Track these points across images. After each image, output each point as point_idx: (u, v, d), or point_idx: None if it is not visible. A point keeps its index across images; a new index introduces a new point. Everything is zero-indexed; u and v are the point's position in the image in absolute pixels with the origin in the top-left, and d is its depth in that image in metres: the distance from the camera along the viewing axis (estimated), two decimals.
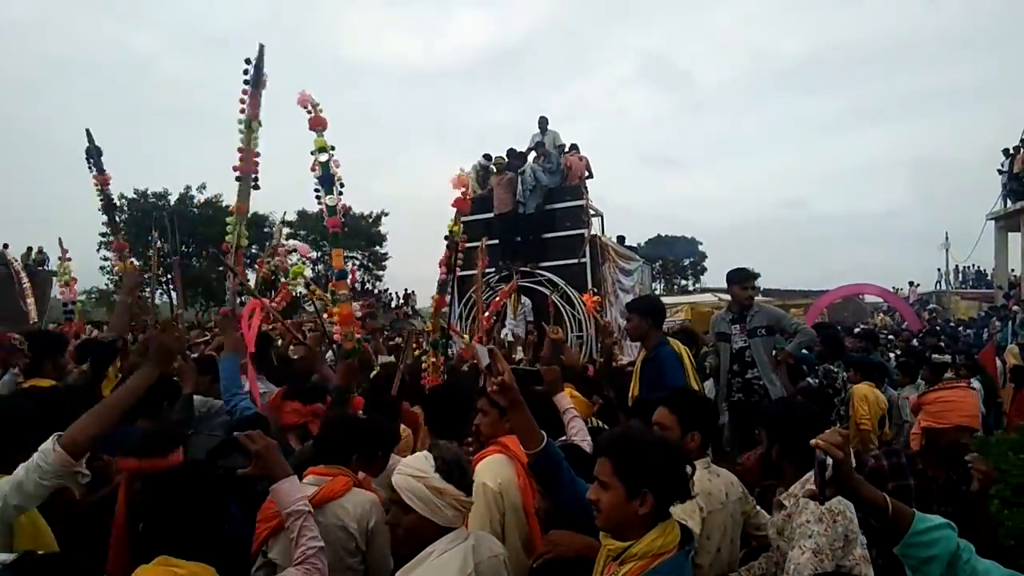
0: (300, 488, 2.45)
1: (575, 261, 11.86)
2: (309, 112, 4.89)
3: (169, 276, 41.73)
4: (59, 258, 8.02)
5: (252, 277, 8.90)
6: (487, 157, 13.35)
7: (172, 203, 40.80)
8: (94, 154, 5.94)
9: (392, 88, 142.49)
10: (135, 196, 40.46)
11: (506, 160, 12.46)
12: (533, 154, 12.62)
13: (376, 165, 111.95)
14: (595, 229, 12.64)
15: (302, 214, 46.34)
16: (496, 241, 11.94)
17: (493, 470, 2.84)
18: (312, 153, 4.91)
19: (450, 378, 6.01)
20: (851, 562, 2.54)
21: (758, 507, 3.22)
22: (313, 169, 4.94)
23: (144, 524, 2.15)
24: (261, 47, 4.88)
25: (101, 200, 6.15)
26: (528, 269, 11.91)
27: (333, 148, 4.94)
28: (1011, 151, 21.29)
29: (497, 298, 10.86)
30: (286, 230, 45.13)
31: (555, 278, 11.73)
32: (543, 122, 13.00)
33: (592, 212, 12.65)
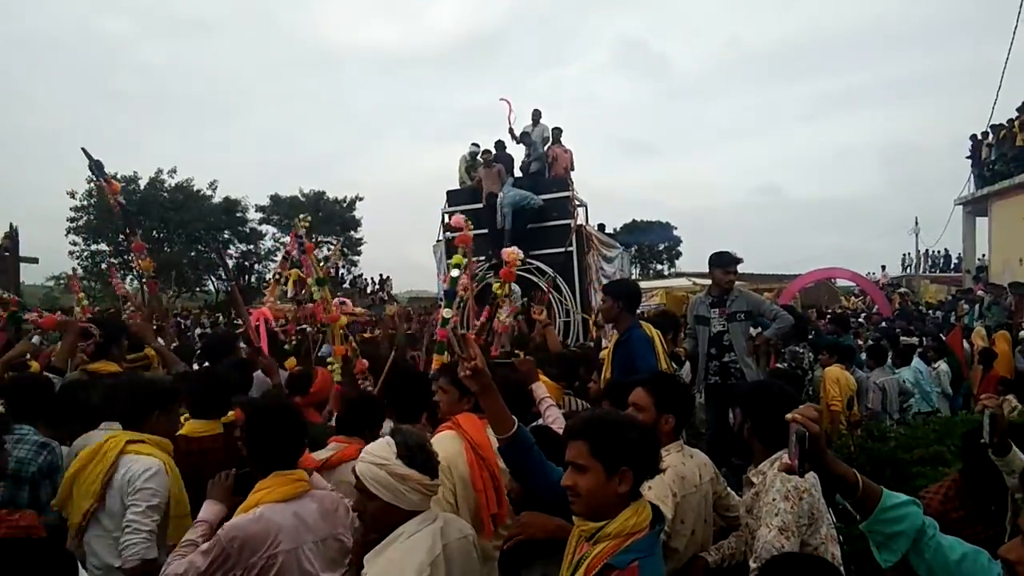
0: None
1: (562, 250, 12.26)
2: (453, 233, 5.15)
3: (140, 262, 41.21)
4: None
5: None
6: (476, 145, 13.54)
7: (142, 187, 40.14)
8: (96, 168, 6.07)
9: (368, 73, 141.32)
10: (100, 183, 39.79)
11: (493, 152, 12.71)
12: (521, 151, 13.02)
13: (351, 150, 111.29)
14: (580, 219, 13.02)
15: (274, 199, 45.95)
16: (485, 231, 12.19)
17: (443, 444, 2.85)
18: (448, 265, 5.47)
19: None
20: (817, 540, 2.57)
21: (729, 489, 3.25)
22: (444, 280, 5.53)
23: (250, 450, 2.72)
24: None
25: (116, 208, 6.37)
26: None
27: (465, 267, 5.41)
28: (979, 137, 21.61)
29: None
30: (259, 215, 44.93)
31: (543, 266, 12.04)
32: (536, 115, 13.23)
33: (577, 202, 13.02)
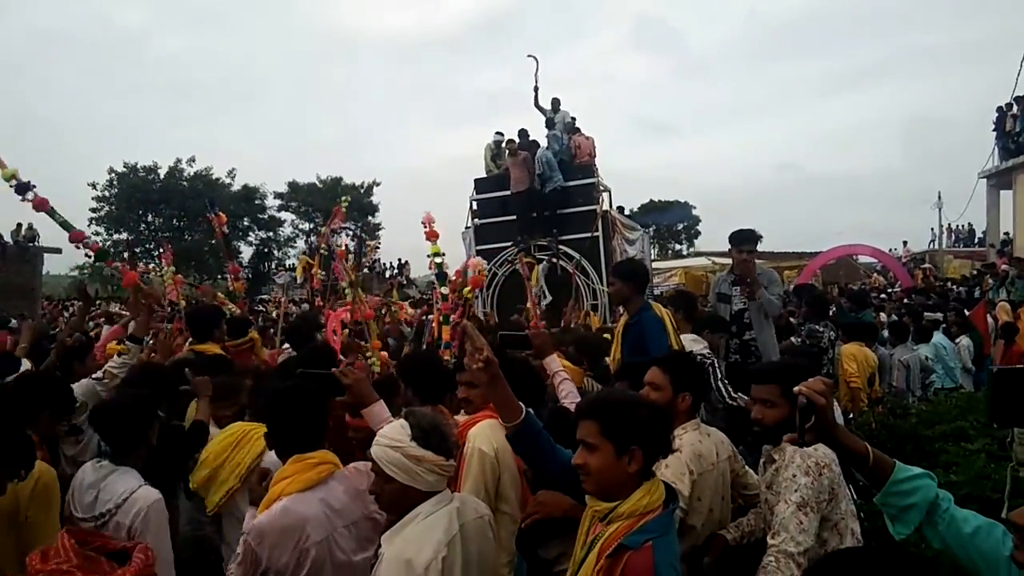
0: (385, 409, 2.93)
1: (588, 235, 12.61)
2: (425, 227, 6.02)
3: (160, 251, 41.75)
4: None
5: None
6: (500, 134, 13.79)
7: (162, 177, 40.48)
8: (211, 203, 6.45)
9: (385, 58, 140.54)
10: (125, 170, 40.12)
11: (517, 141, 12.94)
12: (545, 132, 13.29)
13: (368, 136, 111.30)
14: (604, 204, 13.32)
15: (292, 185, 46.15)
16: (513, 217, 12.73)
17: (487, 435, 2.84)
18: (428, 256, 6.16)
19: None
20: (837, 516, 2.57)
21: (747, 467, 3.25)
22: (431, 267, 6.24)
23: (271, 432, 2.70)
24: None
25: (222, 237, 7.40)
26: (546, 243, 12.62)
27: (444, 254, 6.17)
28: (1004, 108, 21.20)
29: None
30: (277, 202, 45.19)
31: (571, 251, 12.45)
32: (556, 103, 13.47)
33: (602, 188, 13.35)
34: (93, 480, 2.86)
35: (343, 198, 8.19)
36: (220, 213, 7.17)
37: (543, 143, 13.17)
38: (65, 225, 4.84)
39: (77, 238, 4.86)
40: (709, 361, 3.99)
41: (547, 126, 13.28)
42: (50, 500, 2.77)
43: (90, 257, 5.37)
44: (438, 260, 6.12)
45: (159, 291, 6.53)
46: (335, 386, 2.95)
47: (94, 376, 4.05)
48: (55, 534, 2.47)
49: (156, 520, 2.76)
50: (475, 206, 13.56)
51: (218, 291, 8.40)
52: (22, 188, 4.59)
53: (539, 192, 12.47)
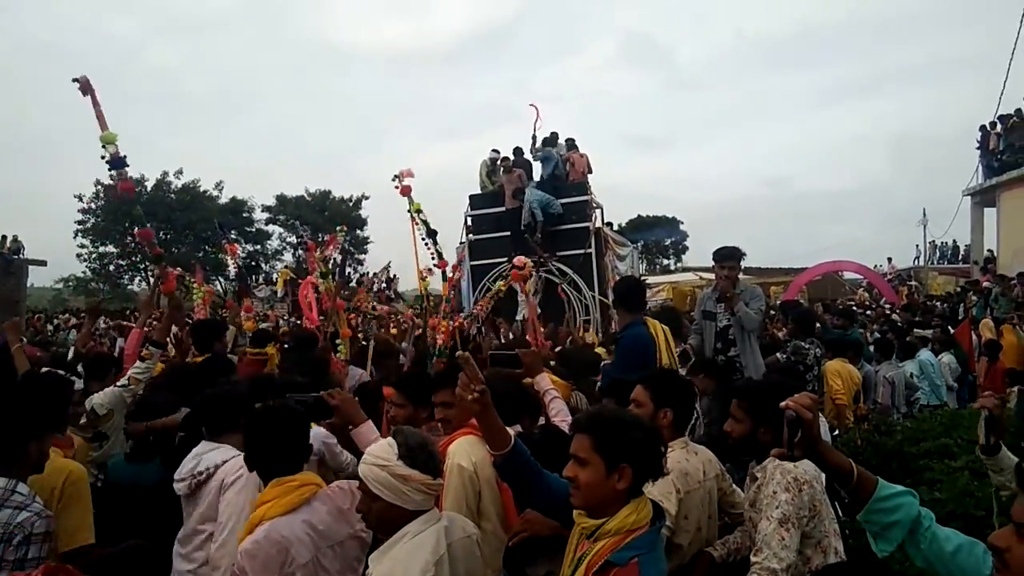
0: (374, 430, 3.02)
1: (581, 252, 12.86)
2: (396, 185, 6.18)
3: (147, 263, 41.59)
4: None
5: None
6: (496, 152, 14.07)
7: (149, 189, 40.29)
8: (225, 228, 6.75)
9: (375, 71, 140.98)
10: (111, 182, 39.85)
11: (512, 159, 13.29)
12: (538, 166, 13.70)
13: (358, 148, 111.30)
14: (597, 221, 13.71)
15: (281, 198, 46.05)
16: (507, 233, 12.92)
17: (466, 450, 2.85)
18: (408, 211, 6.35)
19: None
20: (820, 533, 2.59)
21: (734, 486, 3.26)
22: (413, 223, 6.39)
23: (250, 455, 2.69)
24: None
25: (235, 266, 7.29)
26: (541, 260, 12.66)
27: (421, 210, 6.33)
28: (987, 127, 21.48)
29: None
30: (265, 215, 45.10)
31: (564, 267, 12.67)
32: (553, 137, 14.03)
33: (594, 205, 13.68)
34: (197, 451, 3.22)
35: (339, 228, 8.24)
36: (233, 243, 7.38)
37: (536, 167, 13.47)
38: (140, 219, 5.15)
39: (146, 236, 5.04)
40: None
41: (540, 159, 13.58)
42: (79, 496, 2.97)
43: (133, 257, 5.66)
44: (422, 217, 6.30)
45: (182, 301, 6.76)
46: (323, 408, 3.02)
47: (119, 384, 4.19)
48: (86, 529, 2.93)
49: (244, 483, 2.95)
50: (470, 222, 13.67)
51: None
52: (117, 163, 4.52)
53: (531, 228, 12.69)
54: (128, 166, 4.59)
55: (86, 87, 4.30)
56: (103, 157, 4.48)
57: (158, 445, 3.86)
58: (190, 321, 6.90)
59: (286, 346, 6.15)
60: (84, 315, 5.66)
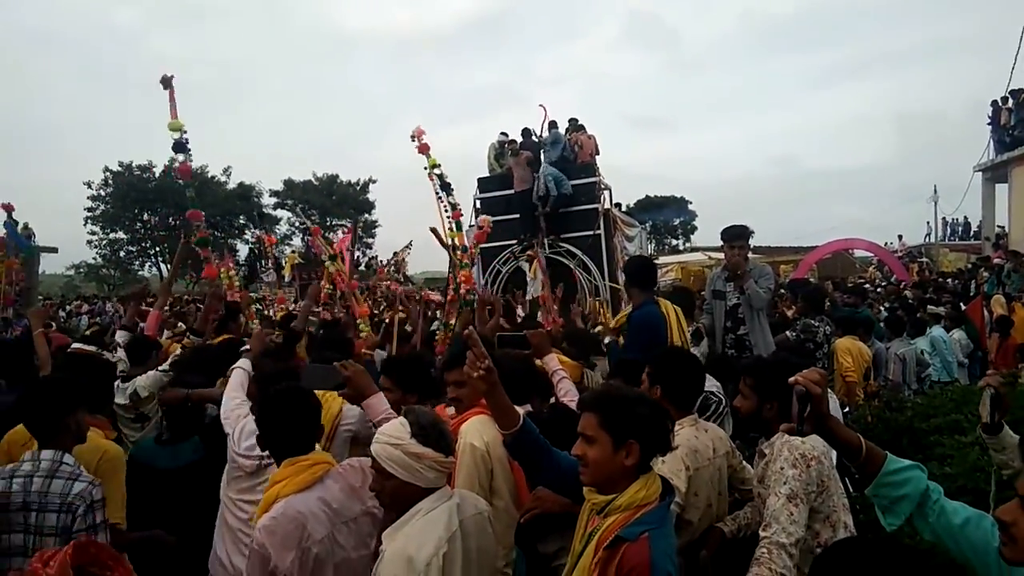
0: (384, 402, 3.10)
1: (591, 233, 12.90)
2: (414, 141, 6.31)
3: (157, 249, 41.82)
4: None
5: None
6: (504, 135, 14.16)
7: (157, 175, 40.41)
8: (259, 218, 6.97)
9: (380, 56, 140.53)
10: (120, 169, 40.06)
11: (520, 141, 13.35)
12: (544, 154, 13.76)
13: (364, 133, 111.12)
14: (605, 203, 13.67)
15: (288, 183, 46.11)
16: (517, 216, 12.92)
17: (477, 430, 2.87)
18: (424, 168, 6.49)
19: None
20: (828, 508, 2.60)
21: (744, 462, 3.28)
22: (431, 178, 6.51)
23: (263, 436, 2.74)
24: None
25: (272, 260, 7.45)
26: (550, 241, 12.88)
27: (440, 164, 6.49)
28: (999, 102, 21.25)
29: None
30: (273, 200, 45.15)
31: (573, 249, 12.73)
32: (552, 125, 14.10)
33: (603, 187, 13.66)
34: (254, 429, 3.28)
35: (360, 218, 8.38)
36: (270, 234, 7.59)
37: (543, 157, 13.50)
38: (194, 201, 5.69)
39: (195, 217, 5.60)
40: (715, 399, 4.02)
41: (546, 143, 13.72)
42: (113, 474, 3.10)
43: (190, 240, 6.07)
44: (437, 172, 6.46)
45: (222, 290, 6.99)
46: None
47: (160, 368, 4.52)
48: (120, 504, 3.07)
49: None
50: (478, 204, 13.71)
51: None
52: (180, 147, 5.14)
53: (545, 200, 12.73)
54: (190, 150, 5.24)
55: (167, 82, 5.08)
56: (174, 139, 5.17)
57: (191, 420, 3.93)
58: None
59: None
60: (130, 299, 5.99)
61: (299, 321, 6.32)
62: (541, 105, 14.07)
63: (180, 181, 5.02)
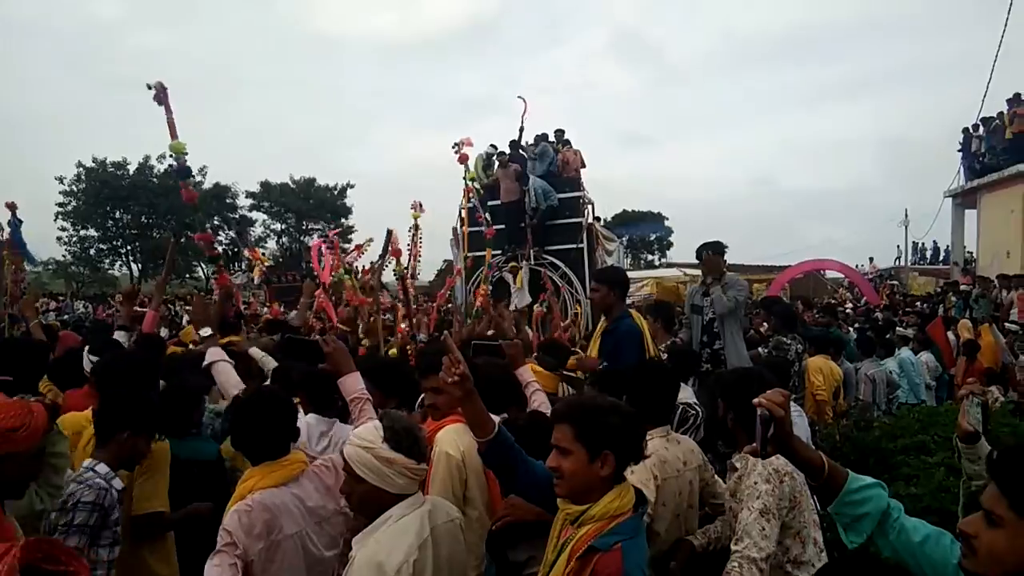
0: (360, 381, 3.10)
1: (574, 246, 12.96)
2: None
3: (128, 248, 41.22)
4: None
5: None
6: (493, 147, 14.05)
7: (131, 173, 39.88)
8: (243, 229, 6.95)
9: (362, 59, 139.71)
10: (93, 165, 39.47)
11: (508, 153, 13.22)
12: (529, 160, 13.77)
13: (344, 137, 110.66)
14: (588, 217, 13.82)
15: (265, 185, 45.71)
16: (503, 226, 12.69)
17: (453, 438, 2.86)
18: (463, 178, 6.85)
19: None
20: (799, 524, 2.62)
21: (716, 476, 3.29)
22: (468, 191, 7.18)
23: (237, 441, 2.78)
24: None
25: (262, 270, 8.20)
26: (534, 252, 12.89)
27: (476, 178, 6.57)
28: (970, 130, 21.68)
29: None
30: (249, 201, 44.74)
31: (557, 261, 12.76)
32: (542, 137, 14.33)
33: (586, 201, 13.81)
34: (323, 430, 3.45)
35: (367, 239, 8.31)
36: (255, 248, 7.59)
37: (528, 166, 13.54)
38: (202, 224, 5.27)
39: (206, 239, 4.94)
40: (693, 412, 4.05)
41: (533, 156, 13.72)
42: (158, 467, 3.20)
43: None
44: (476, 185, 6.74)
45: (233, 292, 7.11)
46: (318, 353, 3.27)
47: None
48: (158, 497, 3.14)
49: None
50: (463, 214, 13.70)
51: (187, 290, 8.60)
52: (184, 172, 4.57)
53: (532, 209, 12.80)
54: (193, 176, 4.71)
55: (161, 94, 4.26)
56: (170, 166, 4.74)
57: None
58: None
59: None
60: (122, 299, 5.84)
61: (298, 317, 6.54)
62: (521, 97, 13.96)
63: (190, 204, 4.52)
